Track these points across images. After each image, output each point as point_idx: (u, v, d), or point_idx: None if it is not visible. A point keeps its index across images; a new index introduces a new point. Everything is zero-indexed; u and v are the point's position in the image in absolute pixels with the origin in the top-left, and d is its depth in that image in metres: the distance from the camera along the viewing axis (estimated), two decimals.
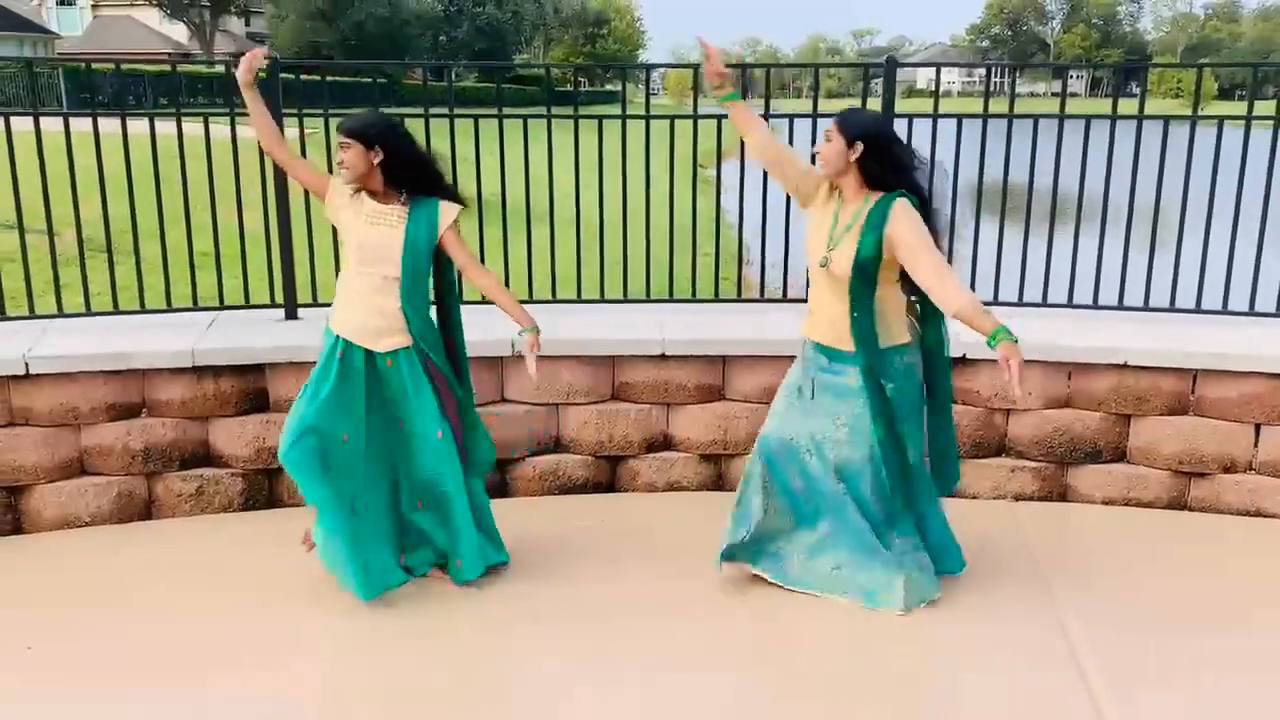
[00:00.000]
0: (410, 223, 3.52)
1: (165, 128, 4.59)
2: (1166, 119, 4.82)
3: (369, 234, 3.52)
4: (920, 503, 3.73)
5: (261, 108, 3.58)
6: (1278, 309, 4.79)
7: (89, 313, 4.74)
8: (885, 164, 3.41)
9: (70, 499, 4.32)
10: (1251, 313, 4.82)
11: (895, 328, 3.54)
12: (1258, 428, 4.42)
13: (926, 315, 3.62)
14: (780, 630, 3.60)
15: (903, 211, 3.36)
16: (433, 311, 3.71)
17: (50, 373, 4.19)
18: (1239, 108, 4.85)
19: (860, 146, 3.39)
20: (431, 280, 3.69)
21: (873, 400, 3.53)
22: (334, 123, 4.78)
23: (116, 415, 4.33)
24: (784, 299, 5.31)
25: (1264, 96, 35.08)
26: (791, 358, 4.55)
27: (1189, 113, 4.76)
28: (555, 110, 4.93)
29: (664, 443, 4.73)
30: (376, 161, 3.47)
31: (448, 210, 3.58)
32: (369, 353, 3.59)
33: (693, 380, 4.63)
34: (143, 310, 4.76)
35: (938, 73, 5.19)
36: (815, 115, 4.91)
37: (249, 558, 4.07)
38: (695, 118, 5.02)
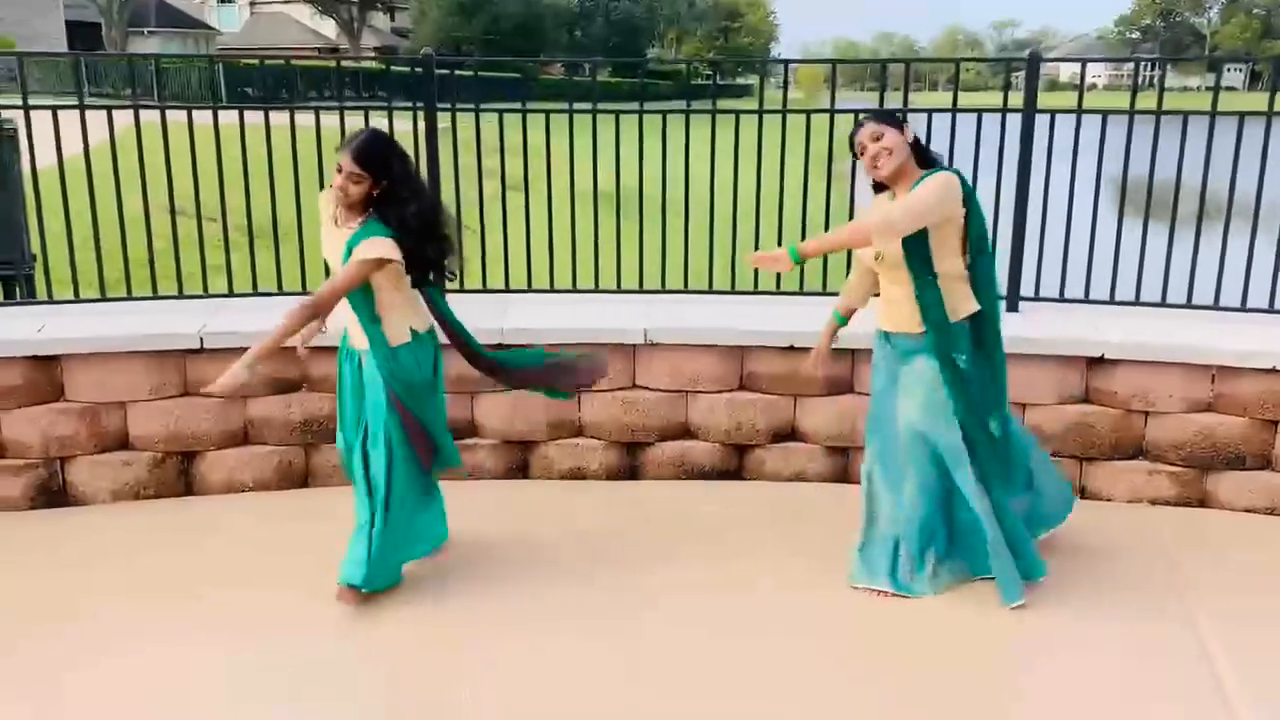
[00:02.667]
0: (354, 235, 3.45)
1: (326, 120, 4.88)
2: None
3: (327, 243, 3.57)
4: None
5: (277, 343, 3.45)
6: None
7: (255, 293, 5.08)
8: (923, 144, 3.58)
9: (238, 465, 4.66)
10: None
11: (962, 302, 3.57)
12: None
13: (978, 283, 3.62)
14: (896, 618, 3.65)
15: (929, 179, 3.43)
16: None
17: (222, 348, 4.53)
18: None
19: (910, 129, 3.51)
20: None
21: (948, 378, 3.57)
22: (484, 117, 5.08)
23: (279, 389, 4.65)
24: None
25: None
26: None
27: None
28: (691, 105, 5.06)
29: (791, 434, 4.80)
30: (374, 193, 3.43)
31: (371, 245, 3.39)
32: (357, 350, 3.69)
33: (820, 371, 4.68)
34: (304, 292, 5.07)
35: (1083, 67, 5.11)
36: (955, 110, 4.91)
37: None
38: (832, 112, 5.06)
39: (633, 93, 5.28)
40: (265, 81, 8.51)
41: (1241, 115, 4.71)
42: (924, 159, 3.54)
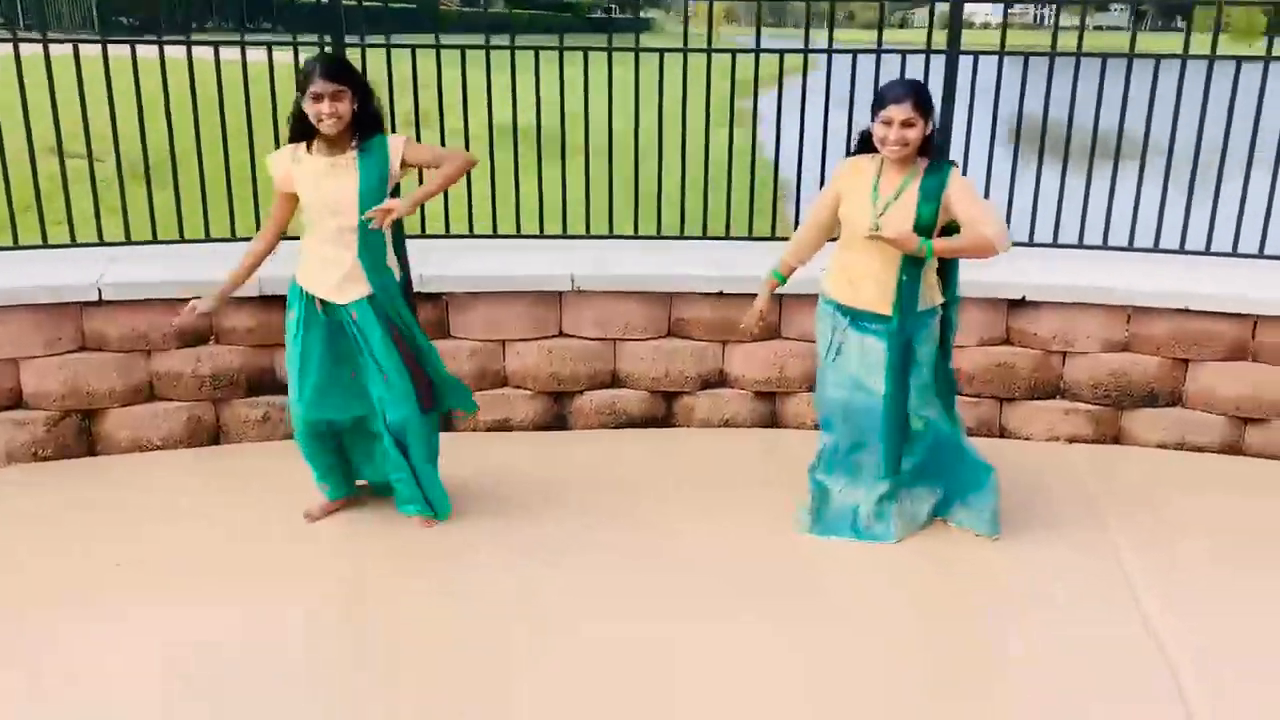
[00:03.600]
0: (361, 169, 3.40)
1: (209, 52, 4.58)
2: (1239, 59, 4.70)
3: (324, 186, 3.41)
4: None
5: (232, 286, 3.69)
6: None
7: (155, 240, 4.79)
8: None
9: (142, 423, 4.42)
10: None
11: (932, 291, 3.60)
12: None
13: (949, 276, 3.68)
14: (823, 559, 3.68)
15: (959, 180, 3.43)
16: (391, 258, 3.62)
17: (122, 299, 4.27)
18: None
19: (931, 122, 3.44)
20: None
21: (892, 358, 3.58)
22: (394, 53, 4.83)
23: (186, 343, 4.41)
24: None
25: None
26: None
27: (1238, 49, 4.69)
28: (589, 40, 4.92)
29: (720, 380, 4.77)
30: (354, 109, 3.36)
31: (396, 141, 3.47)
32: (327, 305, 3.56)
33: None
34: (208, 239, 4.81)
35: (1005, 9, 5.08)
36: (879, 50, 4.85)
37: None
38: (757, 51, 4.97)
39: (536, 25, 5.11)
40: (144, 8, 7.97)
41: (1158, 58, 4.76)
42: (928, 146, 3.48)
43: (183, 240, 4.81)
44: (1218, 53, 4.70)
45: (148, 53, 4.59)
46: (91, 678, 2.99)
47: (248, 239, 4.83)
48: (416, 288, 4.39)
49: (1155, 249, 4.89)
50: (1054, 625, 3.34)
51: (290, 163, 3.46)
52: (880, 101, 3.42)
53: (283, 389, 4.53)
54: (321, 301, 3.56)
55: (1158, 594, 3.46)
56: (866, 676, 3.10)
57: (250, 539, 3.78)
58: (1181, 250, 4.87)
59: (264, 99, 4.54)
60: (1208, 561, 3.71)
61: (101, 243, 4.71)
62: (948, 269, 3.66)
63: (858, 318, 3.62)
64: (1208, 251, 4.86)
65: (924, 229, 3.41)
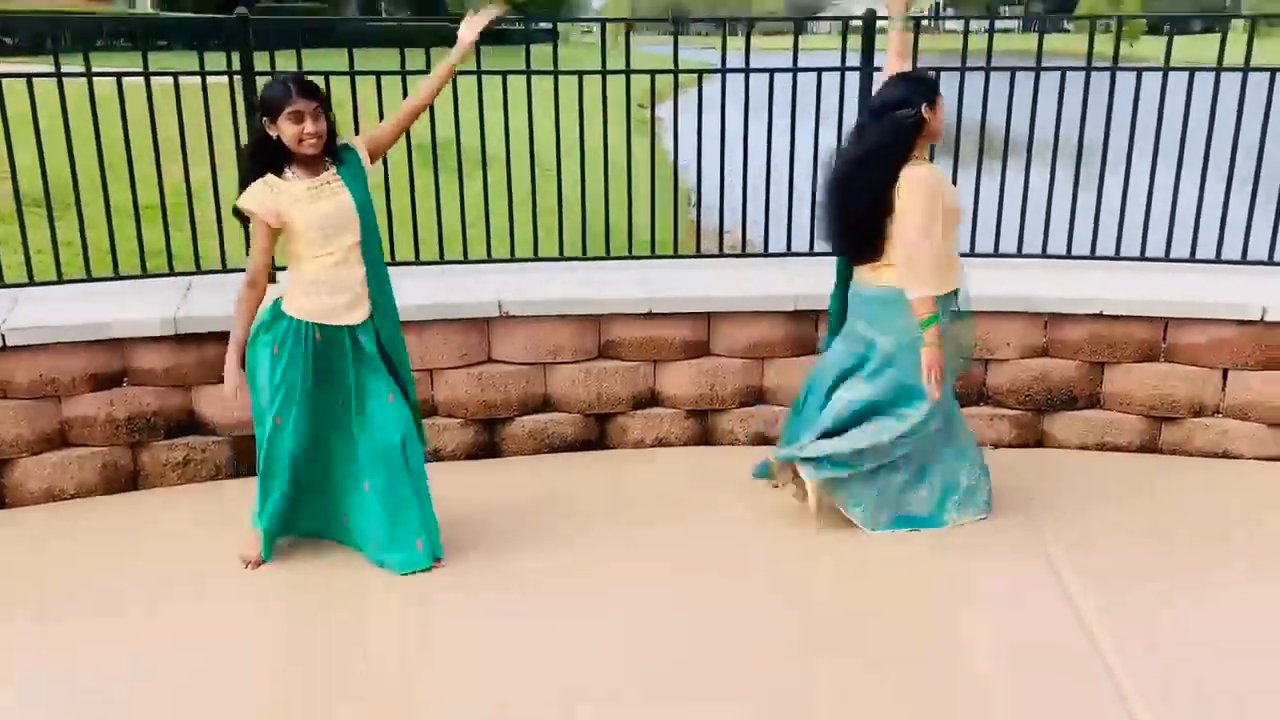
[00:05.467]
0: (347, 180, 3.39)
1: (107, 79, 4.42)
2: (1140, 71, 4.86)
3: (321, 209, 3.33)
4: None
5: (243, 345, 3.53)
6: (1243, 257, 4.94)
7: (60, 280, 4.60)
8: None
9: (54, 471, 4.23)
10: (1218, 261, 4.96)
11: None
12: (1225, 373, 4.58)
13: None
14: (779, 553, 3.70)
15: (907, 187, 3.63)
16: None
17: (28, 344, 4.08)
18: (1179, 45, 4.91)
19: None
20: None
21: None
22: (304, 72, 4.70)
23: (98, 385, 4.23)
24: (766, 254, 5.31)
25: (1192, 31, 35.57)
26: (774, 314, 4.64)
27: (1129, 51, 4.85)
28: (502, 54, 4.90)
29: (651, 399, 4.76)
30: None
31: (358, 142, 3.49)
32: (325, 331, 3.47)
33: (679, 336, 4.66)
34: (117, 277, 4.63)
35: (916, 26, 5.17)
36: (795, 70, 4.90)
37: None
38: (675, 71, 4.99)
39: (449, 39, 5.11)
40: (33, 31, 7.67)
41: (1063, 71, 4.89)
42: None
43: (90, 278, 4.62)
44: (1112, 59, 4.85)
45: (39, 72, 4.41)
46: None
47: (161, 274, 4.71)
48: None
49: (1068, 255, 5.03)
50: (988, 627, 3.41)
51: (271, 195, 3.32)
52: (936, 88, 3.64)
53: (203, 429, 4.40)
54: (321, 328, 3.44)
55: (1091, 594, 3.55)
56: (788, 673, 3.12)
57: (187, 585, 3.63)
58: (1093, 256, 5.02)
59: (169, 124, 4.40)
60: (1138, 559, 3.82)
61: (2, 284, 4.50)
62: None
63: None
64: (1117, 257, 5.02)
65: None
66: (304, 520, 3.79)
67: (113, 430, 4.28)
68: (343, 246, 3.40)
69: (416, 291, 4.51)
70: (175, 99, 4.49)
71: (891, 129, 3.60)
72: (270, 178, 3.34)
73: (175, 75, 4.53)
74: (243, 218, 3.46)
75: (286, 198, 3.33)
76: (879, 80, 4.66)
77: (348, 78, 4.66)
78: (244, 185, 3.39)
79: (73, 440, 4.26)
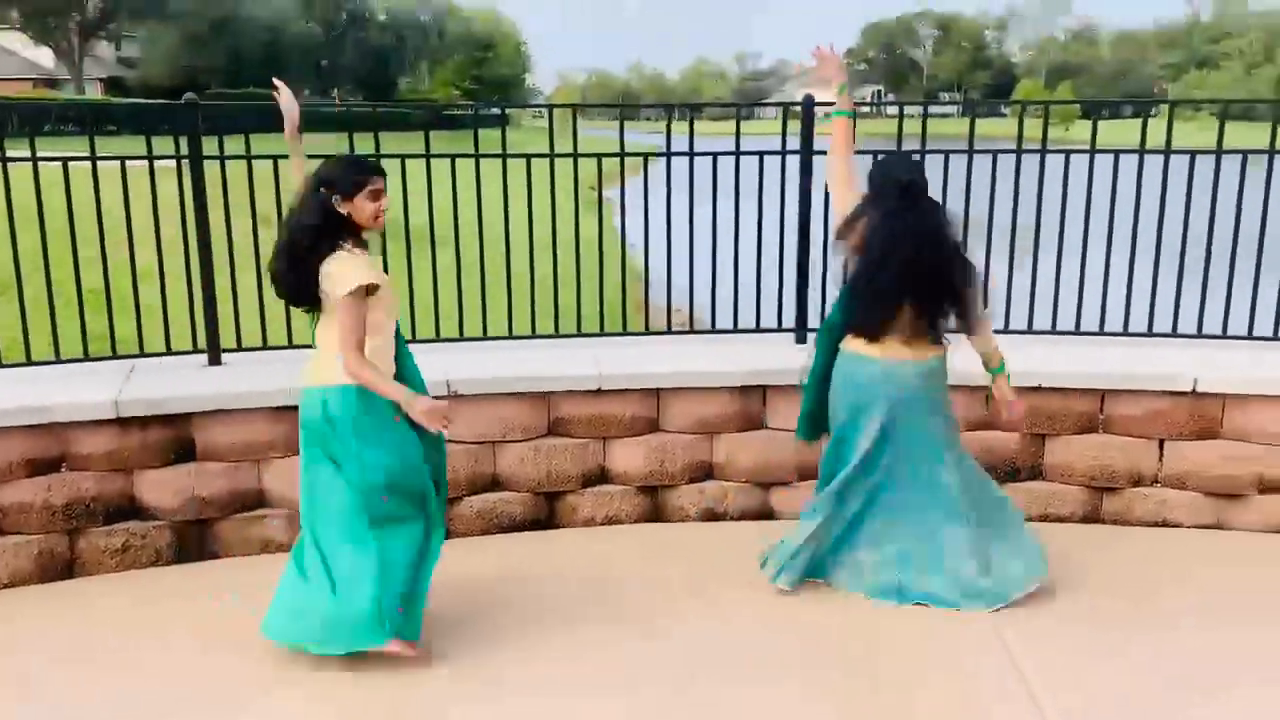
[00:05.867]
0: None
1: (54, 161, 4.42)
2: (1068, 153, 5.07)
3: (387, 282, 3.46)
4: None
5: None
6: (1173, 330, 5.10)
7: (4, 364, 4.53)
8: None
9: None
10: (1150, 334, 5.11)
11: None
12: (1161, 443, 4.69)
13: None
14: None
15: None
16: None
17: None
18: (1110, 128, 5.13)
19: None
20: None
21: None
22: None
23: (35, 471, 4.15)
24: (714, 330, 5.38)
25: (1124, 116, 37.07)
26: (722, 389, 4.69)
27: (1056, 131, 5.06)
28: (445, 139, 4.97)
29: (601, 477, 4.76)
30: None
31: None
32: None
33: (629, 413, 4.68)
34: (58, 360, 4.58)
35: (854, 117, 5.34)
36: (738, 153, 5.04)
37: (183, 612, 3.94)
38: (622, 155, 5.10)
39: (385, 122, 5.19)
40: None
41: (1018, 153, 5.05)
42: None
43: (30, 363, 4.56)
44: (1044, 142, 5.05)
45: None
46: None
47: (104, 358, 4.66)
48: (284, 403, 4.29)
49: (1005, 330, 5.15)
50: (937, 694, 3.41)
51: (369, 266, 3.36)
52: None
53: (143, 515, 4.31)
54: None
55: (1034, 660, 3.57)
56: None
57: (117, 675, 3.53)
58: (1030, 331, 5.15)
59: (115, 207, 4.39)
60: (1083, 624, 3.85)
61: None
62: None
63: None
64: (1054, 331, 5.16)
65: None
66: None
67: (49, 517, 4.18)
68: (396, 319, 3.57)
69: None
70: (122, 182, 4.50)
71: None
72: (353, 250, 3.36)
73: (122, 159, 4.54)
74: (311, 298, 3.41)
75: (374, 271, 3.38)
76: (820, 163, 4.88)
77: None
78: (297, 259, 3.35)
79: (7, 528, 4.15)
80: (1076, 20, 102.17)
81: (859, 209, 3.82)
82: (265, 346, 4.90)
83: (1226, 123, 4.92)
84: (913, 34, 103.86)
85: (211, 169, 4.60)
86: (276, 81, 3.73)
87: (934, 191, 4.91)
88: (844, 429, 3.97)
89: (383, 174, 3.43)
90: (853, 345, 3.90)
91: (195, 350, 4.73)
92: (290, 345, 4.89)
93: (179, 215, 4.57)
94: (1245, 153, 4.91)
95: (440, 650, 3.63)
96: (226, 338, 4.76)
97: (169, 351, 4.73)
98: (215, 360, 4.71)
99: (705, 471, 4.79)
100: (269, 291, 4.58)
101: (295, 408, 4.22)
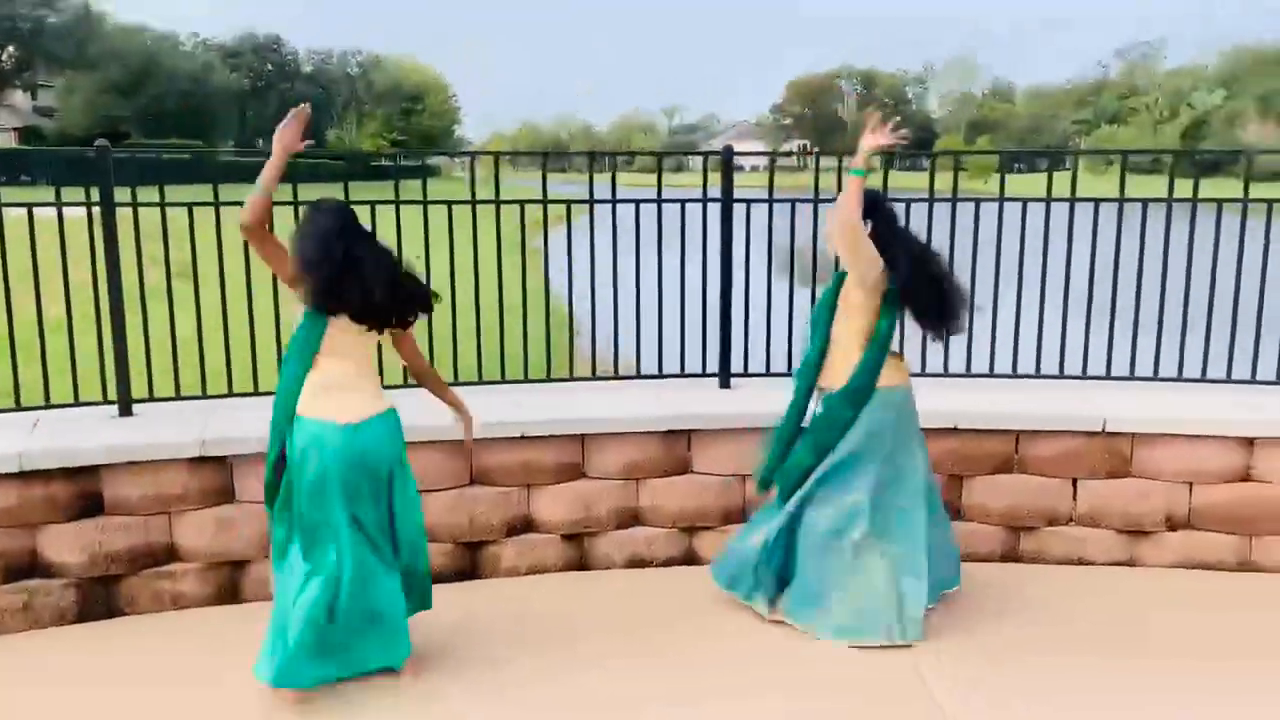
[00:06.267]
0: None
1: None
2: (978, 202, 5.23)
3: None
4: None
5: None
6: (1083, 372, 5.24)
7: None
8: None
9: None
10: (1061, 376, 5.25)
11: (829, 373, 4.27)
12: (1075, 483, 4.80)
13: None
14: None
15: None
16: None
17: None
18: (1026, 181, 5.33)
19: None
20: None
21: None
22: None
23: None
24: (639, 375, 5.39)
25: (1039, 170, 38.38)
26: (648, 434, 4.69)
27: (983, 187, 5.22)
28: (374, 188, 4.97)
29: (526, 525, 4.71)
30: None
31: None
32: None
33: (553, 460, 4.66)
34: (50, 405, 4.43)
35: (772, 162, 5.46)
36: (659, 200, 5.09)
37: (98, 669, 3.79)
38: (569, 202, 5.12)
39: (309, 172, 5.18)
40: None
41: (907, 202, 5.19)
42: None
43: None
44: (958, 192, 5.20)
45: None
46: None
47: (7, 410, 4.51)
48: (199, 453, 4.20)
49: (923, 374, 5.25)
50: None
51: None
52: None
53: (48, 572, 4.15)
54: None
55: (956, 697, 3.60)
56: None
57: None
58: (945, 374, 5.26)
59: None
60: (1003, 662, 3.90)
61: None
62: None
63: None
64: (968, 373, 5.27)
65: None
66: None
67: None
68: None
69: None
70: (29, 229, 4.39)
71: None
72: None
73: (29, 206, 4.43)
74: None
75: None
76: (739, 211, 4.96)
77: (212, 209, 4.64)
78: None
79: None
80: (989, 81, 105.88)
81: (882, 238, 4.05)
82: (179, 396, 4.78)
83: (1137, 176, 5.12)
84: (836, 89, 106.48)
85: (125, 218, 4.51)
86: (304, 107, 3.85)
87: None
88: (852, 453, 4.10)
89: None
90: (893, 373, 4.18)
91: (105, 401, 4.60)
92: (204, 395, 4.78)
93: (90, 264, 4.46)
94: (1145, 201, 5.11)
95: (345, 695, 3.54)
96: (138, 388, 4.64)
97: (77, 402, 4.58)
98: (126, 411, 4.58)
99: (632, 518, 4.77)
100: (184, 340, 4.52)
101: (209, 459, 4.16)
